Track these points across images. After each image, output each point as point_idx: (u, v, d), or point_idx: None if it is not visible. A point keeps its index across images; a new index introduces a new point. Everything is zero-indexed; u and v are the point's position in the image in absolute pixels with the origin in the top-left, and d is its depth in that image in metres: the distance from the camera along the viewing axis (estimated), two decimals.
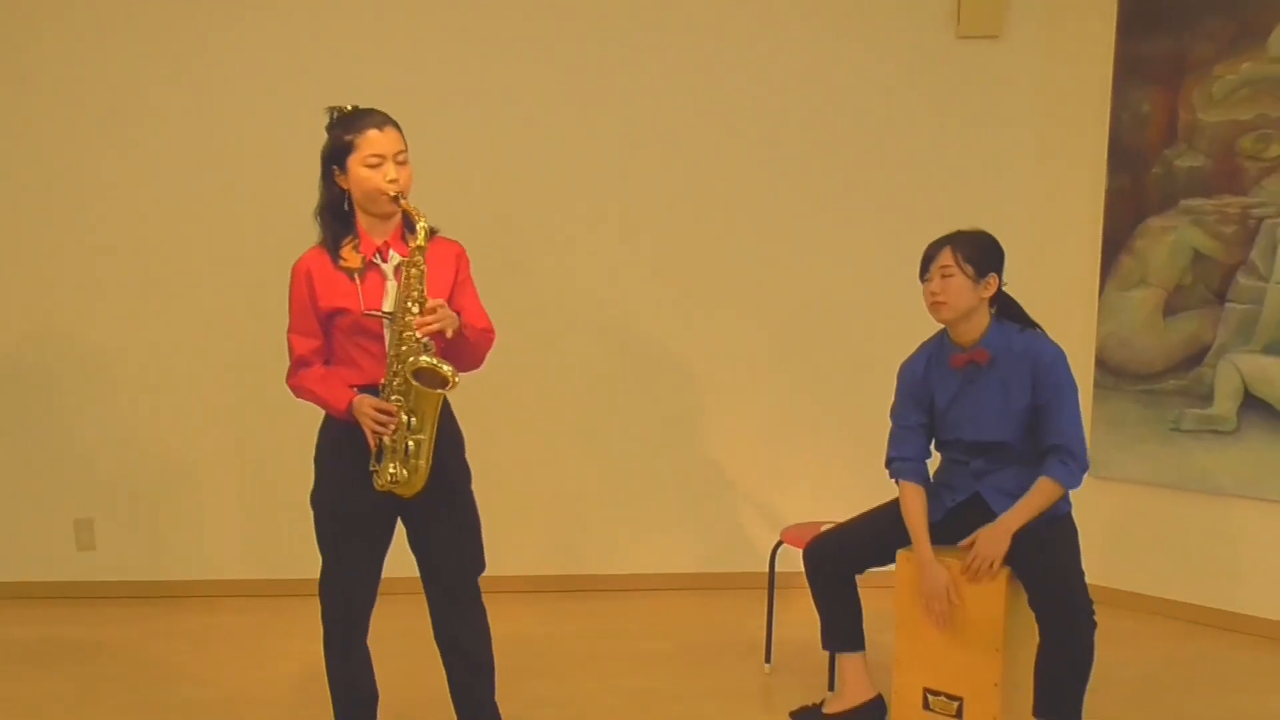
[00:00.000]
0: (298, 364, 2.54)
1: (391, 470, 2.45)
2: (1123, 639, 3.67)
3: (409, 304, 2.40)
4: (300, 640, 3.58)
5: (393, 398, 2.44)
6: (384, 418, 2.42)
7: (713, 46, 4.03)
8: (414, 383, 2.40)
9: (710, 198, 4.10)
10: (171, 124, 3.97)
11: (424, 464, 2.46)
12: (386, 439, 2.44)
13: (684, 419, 4.22)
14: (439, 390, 2.42)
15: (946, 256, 2.80)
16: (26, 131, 3.95)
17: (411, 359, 2.40)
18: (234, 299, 4.01)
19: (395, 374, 2.44)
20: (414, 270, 2.41)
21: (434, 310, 2.40)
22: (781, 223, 4.13)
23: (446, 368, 2.40)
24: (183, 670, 3.45)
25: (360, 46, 3.95)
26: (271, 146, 3.93)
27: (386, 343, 2.48)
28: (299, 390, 2.55)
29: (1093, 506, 3.99)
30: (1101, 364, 3.97)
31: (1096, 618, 2.66)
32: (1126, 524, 4.00)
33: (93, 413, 4.09)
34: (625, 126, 4.05)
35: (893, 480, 2.96)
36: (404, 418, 2.44)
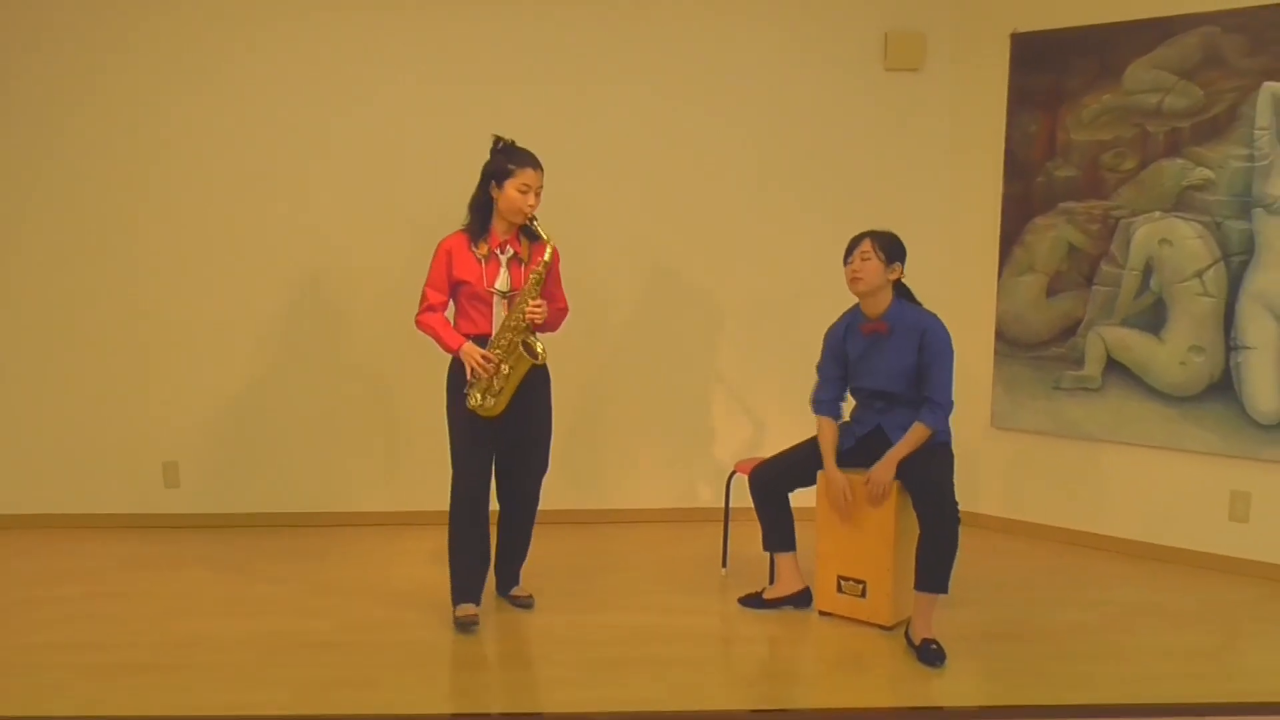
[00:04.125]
0: (426, 308, 3.58)
1: (479, 396, 3.53)
2: (1010, 555, 4.57)
3: (528, 297, 3.50)
4: (365, 554, 4.48)
5: (496, 351, 3.52)
6: (484, 363, 3.49)
7: (685, 85, 4.89)
8: (520, 350, 3.51)
9: (685, 203, 4.96)
10: (250, 133, 4.82)
11: (503, 400, 3.55)
12: (483, 376, 3.50)
13: (663, 385, 5.08)
14: (531, 360, 3.52)
15: (867, 245, 3.66)
16: (130, 143, 4.82)
17: (522, 334, 3.50)
18: (287, 284, 4.87)
19: (505, 338, 3.51)
20: (535, 277, 3.52)
21: (539, 307, 3.51)
22: (744, 220, 4.99)
23: (541, 348, 3.55)
24: (266, 574, 4.29)
25: (399, 68, 4.80)
26: (314, 167, 4.79)
27: (494, 313, 3.55)
28: (424, 326, 3.58)
29: (995, 452, 4.91)
30: (1000, 335, 4.85)
31: (960, 515, 3.53)
32: (1019, 465, 4.88)
33: (177, 378, 4.92)
34: (620, 151, 4.90)
35: (815, 415, 3.86)
36: (503, 368, 3.52)
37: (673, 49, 4.87)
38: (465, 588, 3.69)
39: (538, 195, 3.56)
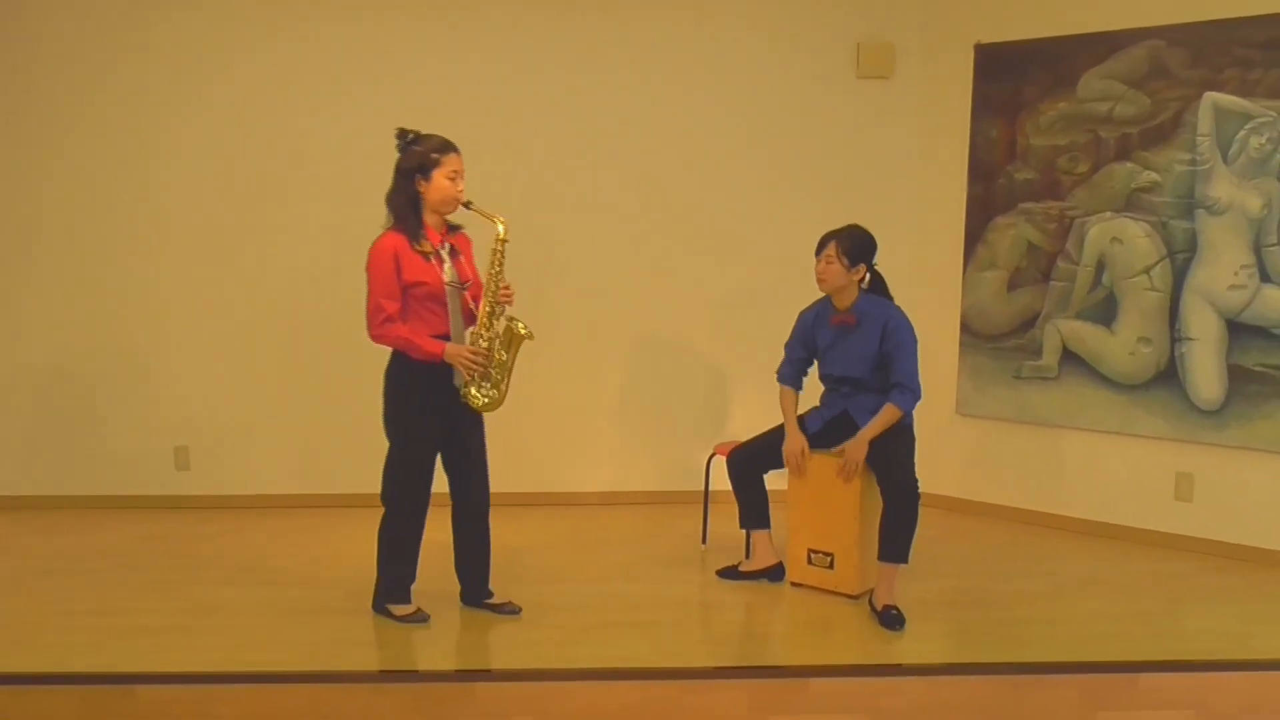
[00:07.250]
0: (385, 320, 3.39)
1: (478, 392, 3.50)
2: (971, 534, 4.88)
3: (497, 282, 3.49)
4: (370, 533, 4.74)
5: (483, 342, 3.48)
6: (477, 359, 3.46)
7: (674, 92, 5.17)
8: (516, 329, 3.51)
9: (668, 203, 5.24)
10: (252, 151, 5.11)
11: (505, 388, 3.57)
12: (476, 370, 3.48)
13: (646, 373, 5.36)
14: (525, 336, 3.55)
15: (832, 249, 3.95)
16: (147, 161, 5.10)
17: (505, 316, 3.51)
18: (292, 274, 5.14)
19: (492, 324, 3.48)
20: (499, 255, 3.49)
21: (508, 289, 3.53)
22: (724, 219, 5.27)
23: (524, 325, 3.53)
24: (277, 549, 4.58)
25: (398, 70, 5.07)
26: (316, 164, 5.06)
27: (449, 310, 3.47)
28: (388, 338, 3.42)
29: (960, 437, 5.21)
30: (965, 327, 5.15)
31: (920, 492, 3.83)
32: (981, 450, 5.19)
33: (189, 368, 5.18)
34: (607, 152, 5.18)
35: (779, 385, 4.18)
36: (500, 355, 3.52)
37: (662, 57, 5.15)
38: (403, 588, 3.73)
39: (463, 178, 3.47)
